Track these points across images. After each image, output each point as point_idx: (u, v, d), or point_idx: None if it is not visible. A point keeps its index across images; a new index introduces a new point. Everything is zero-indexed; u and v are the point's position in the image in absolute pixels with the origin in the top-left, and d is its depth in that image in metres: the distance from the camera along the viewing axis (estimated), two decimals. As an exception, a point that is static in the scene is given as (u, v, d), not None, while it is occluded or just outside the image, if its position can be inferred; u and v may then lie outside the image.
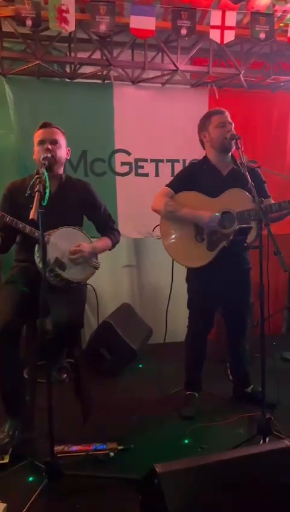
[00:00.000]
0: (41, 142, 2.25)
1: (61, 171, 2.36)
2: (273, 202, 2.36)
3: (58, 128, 2.34)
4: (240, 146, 2.23)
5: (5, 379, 2.14)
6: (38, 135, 2.29)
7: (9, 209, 2.17)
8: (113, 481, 1.90)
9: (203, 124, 2.50)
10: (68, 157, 2.42)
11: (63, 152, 2.32)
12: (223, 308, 2.65)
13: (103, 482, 1.90)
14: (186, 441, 2.23)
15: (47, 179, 1.82)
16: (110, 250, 2.49)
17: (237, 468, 1.41)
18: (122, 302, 3.60)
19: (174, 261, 2.53)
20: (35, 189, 1.75)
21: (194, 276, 2.56)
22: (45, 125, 2.30)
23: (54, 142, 2.26)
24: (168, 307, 2.70)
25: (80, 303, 2.29)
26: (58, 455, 1.94)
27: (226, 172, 2.47)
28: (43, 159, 1.96)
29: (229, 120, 2.43)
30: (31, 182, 1.81)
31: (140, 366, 3.25)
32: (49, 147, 2.22)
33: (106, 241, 2.43)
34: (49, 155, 2.03)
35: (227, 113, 2.45)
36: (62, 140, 2.32)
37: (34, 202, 1.70)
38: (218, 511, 1.36)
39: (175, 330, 2.91)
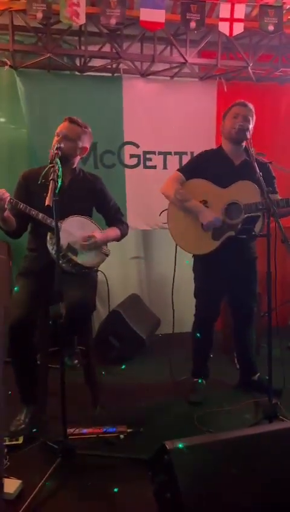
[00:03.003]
0: (56, 134, 2.27)
1: (73, 165, 2.38)
2: (280, 198, 2.40)
3: (82, 127, 2.31)
4: (248, 138, 2.26)
5: (21, 369, 2.22)
6: (60, 126, 2.30)
7: (23, 196, 2.22)
8: (124, 460, 1.96)
9: (225, 113, 2.53)
10: (81, 156, 2.41)
11: (73, 149, 2.29)
12: (229, 297, 2.70)
13: (113, 461, 1.97)
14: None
15: (60, 168, 1.87)
16: (118, 241, 2.54)
17: (245, 445, 1.46)
18: (130, 293, 3.66)
19: (178, 248, 2.59)
20: (50, 178, 1.80)
21: (200, 265, 2.62)
22: (67, 120, 2.30)
23: (67, 139, 2.24)
24: (173, 295, 2.76)
25: (91, 286, 2.35)
26: (70, 437, 2.00)
27: (238, 163, 2.51)
28: (56, 149, 2.01)
29: (247, 115, 2.42)
30: (44, 171, 1.87)
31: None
32: (60, 143, 2.17)
33: (115, 231, 2.49)
34: (62, 145, 2.08)
35: (250, 108, 2.44)
36: (79, 139, 2.30)
37: (49, 190, 1.76)
38: (227, 487, 1.41)
39: (183, 321, 2.97)
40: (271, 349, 2.13)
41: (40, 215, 2.18)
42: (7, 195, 2.04)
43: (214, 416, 2.38)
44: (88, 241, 2.29)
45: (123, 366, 3.10)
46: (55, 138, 2.25)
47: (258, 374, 2.71)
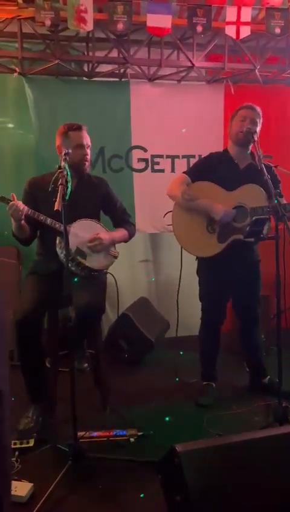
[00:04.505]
0: (81, 147, 2.33)
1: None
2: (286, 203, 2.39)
3: (85, 129, 2.40)
4: (255, 140, 2.27)
5: (28, 367, 2.23)
6: (76, 137, 2.34)
7: (30, 203, 2.25)
8: (134, 463, 1.96)
9: (232, 116, 2.55)
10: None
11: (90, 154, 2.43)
12: (234, 300, 2.69)
13: (124, 464, 1.97)
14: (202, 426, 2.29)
15: (69, 173, 1.90)
16: (126, 242, 2.57)
17: (255, 448, 1.46)
18: (139, 296, 3.67)
19: (183, 252, 2.59)
20: (59, 183, 1.83)
21: (204, 268, 2.62)
22: (76, 128, 2.35)
23: (89, 147, 2.37)
24: (178, 298, 2.76)
25: (101, 289, 2.37)
26: (80, 440, 2.01)
27: (243, 166, 2.52)
28: (65, 154, 2.04)
29: (254, 118, 2.43)
30: (54, 177, 1.90)
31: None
32: (88, 155, 2.37)
33: (123, 232, 2.52)
34: (70, 150, 2.11)
35: (257, 111, 2.45)
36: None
37: (58, 195, 1.78)
38: (236, 490, 1.41)
39: (191, 323, 2.97)
40: (281, 352, 2.13)
41: (49, 220, 2.21)
42: (24, 207, 2.12)
43: (223, 419, 2.38)
44: (94, 241, 2.31)
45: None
46: (76, 150, 2.30)
47: (268, 377, 2.70)
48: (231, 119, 2.56)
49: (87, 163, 2.39)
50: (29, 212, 2.17)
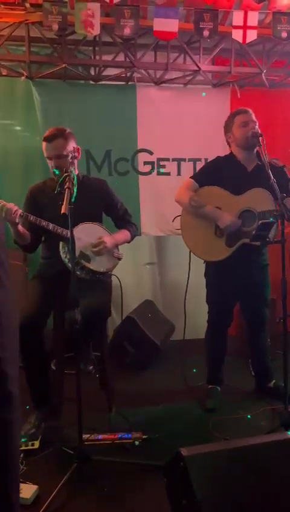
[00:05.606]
0: (48, 158, 2.32)
1: (76, 171, 2.40)
2: None
3: (62, 136, 2.30)
4: (262, 143, 2.27)
5: (31, 372, 2.23)
6: (44, 149, 2.32)
7: (31, 210, 2.26)
8: (139, 466, 1.97)
9: (228, 125, 2.57)
10: (79, 157, 2.40)
11: (70, 161, 2.26)
12: (242, 303, 2.69)
13: (129, 467, 1.97)
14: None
15: (75, 176, 1.91)
16: (128, 242, 2.57)
17: (261, 453, 1.45)
18: (144, 299, 3.66)
19: (191, 255, 2.60)
20: (65, 186, 1.84)
21: (211, 270, 2.62)
22: (47, 139, 2.30)
23: (59, 157, 2.26)
24: (185, 301, 2.75)
25: (106, 293, 2.38)
26: (86, 443, 2.01)
27: (251, 168, 2.52)
28: (71, 157, 2.05)
29: (253, 119, 2.48)
30: (60, 180, 1.91)
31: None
32: (56, 164, 2.26)
33: (125, 233, 2.52)
34: (75, 154, 2.12)
35: (251, 111, 2.50)
36: (69, 146, 2.31)
37: (65, 198, 1.79)
38: (242, 494, 1.40)
39: (197, 326, 2.96)
40: (287, 356, 2.12)
41: (51, 226, 2.22)
42: (17, 209, 2.10)
43: (229, 423, 2.37)
44: (98, 246, 2.31)
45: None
46: (48, 160, 2.28)
47: (274, 381, 2.69)
48: (226, 127, 2.58)
49: (73, 161, 2.20)
50: (31, 218, 2.17)
